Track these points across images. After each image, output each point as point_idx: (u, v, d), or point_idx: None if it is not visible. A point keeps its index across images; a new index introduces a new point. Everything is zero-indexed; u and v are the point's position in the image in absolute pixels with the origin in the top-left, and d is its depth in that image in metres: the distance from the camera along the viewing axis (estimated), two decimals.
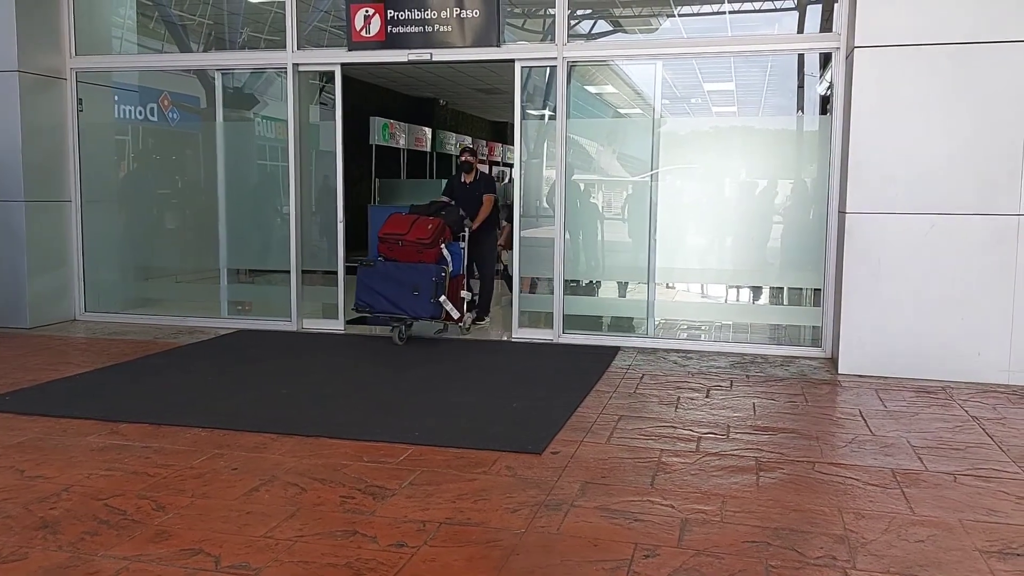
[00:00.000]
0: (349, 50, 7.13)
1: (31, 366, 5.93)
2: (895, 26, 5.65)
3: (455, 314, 6.75)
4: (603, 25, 8.44)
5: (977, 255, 5.56)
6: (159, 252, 8.50)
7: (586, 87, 8.52)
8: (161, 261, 8.55)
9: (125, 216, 8.37)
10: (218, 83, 7.91)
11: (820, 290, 6.54)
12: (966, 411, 4.92)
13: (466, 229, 7.08)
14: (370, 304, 6.69)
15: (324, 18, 7.82)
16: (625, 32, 8.46)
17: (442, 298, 6.57)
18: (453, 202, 7.31)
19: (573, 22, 8.09)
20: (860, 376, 5.78)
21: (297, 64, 7.34)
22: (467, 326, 7.28)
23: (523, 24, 8.63)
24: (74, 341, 7.02)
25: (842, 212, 5.97)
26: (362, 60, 7.26)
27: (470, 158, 7.70)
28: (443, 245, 6.72)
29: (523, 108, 7.14)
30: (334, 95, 7.57)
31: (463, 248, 6.95)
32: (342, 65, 7.29)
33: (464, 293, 6.98)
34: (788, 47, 6.81)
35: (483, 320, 7.77)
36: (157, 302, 8.42)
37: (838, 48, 6.24)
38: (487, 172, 7.74)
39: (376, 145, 12.50)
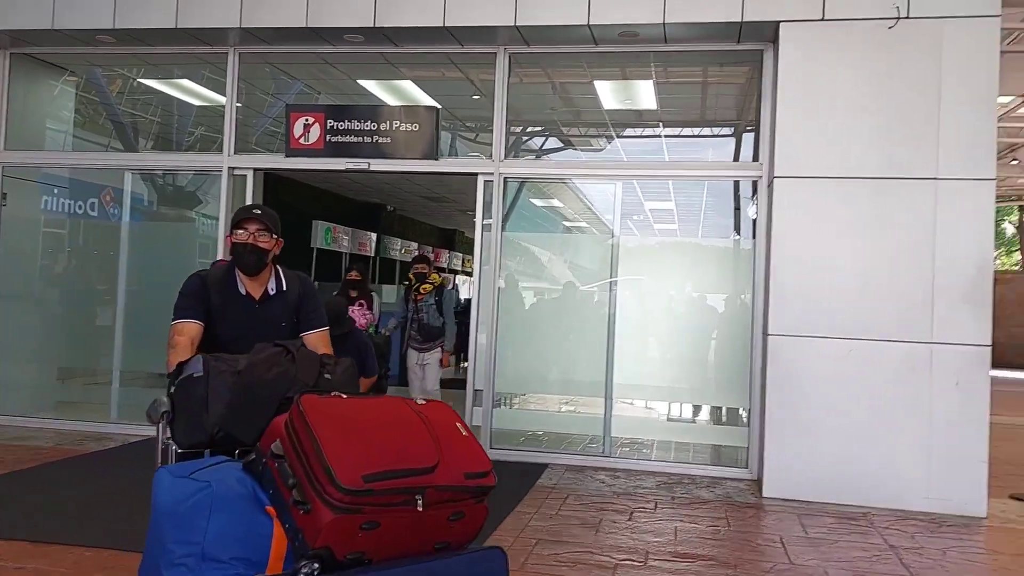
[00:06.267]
0: (286, 156, 7.21)
1: None
2: (810, 160, 5.94)
3: None
4: (555, 142, 8.73)
5: (893, 381, 5.68)
6: (73, 352, 8.22)
7: (538, 199, 8.70)
8: (75, 362, 8.26)
9: (42, 313, 8.12)
10: (127, 181, 7.90)
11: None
12: (885, 539, 4.89)
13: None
14: None
15: (275, 123, 7.93)
16: (575, 149, 8.77)
17: None
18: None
19: (525, 138, 8.37)
20: (784, 500, 5.74)
21: (233, 168, 7.37)
22: None
23: (475, 137, 8.88)
24: None
25: (766, 334, 6.07)
26: (297, 166, 7.35)
27: (263, 239, 3.07)
28: None
29: (483, 219, 7.11)
30: (278, 196, 7.61)
31: None
32: (254, 170, 7.38)
33: None
34: (717, 174, 7.10)
35: None
36: (71, 405, 8.07)
37: (761, 177, 6.51)
38: (303, 275, 3.33)
39: (317, 249, 12.50)
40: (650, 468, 6.60)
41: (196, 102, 8.59)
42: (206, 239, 8.32)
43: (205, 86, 8.18)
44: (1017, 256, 31.26)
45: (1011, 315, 20.44)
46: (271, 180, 8.22)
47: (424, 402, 2.23)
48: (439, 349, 7.41)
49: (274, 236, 3.06)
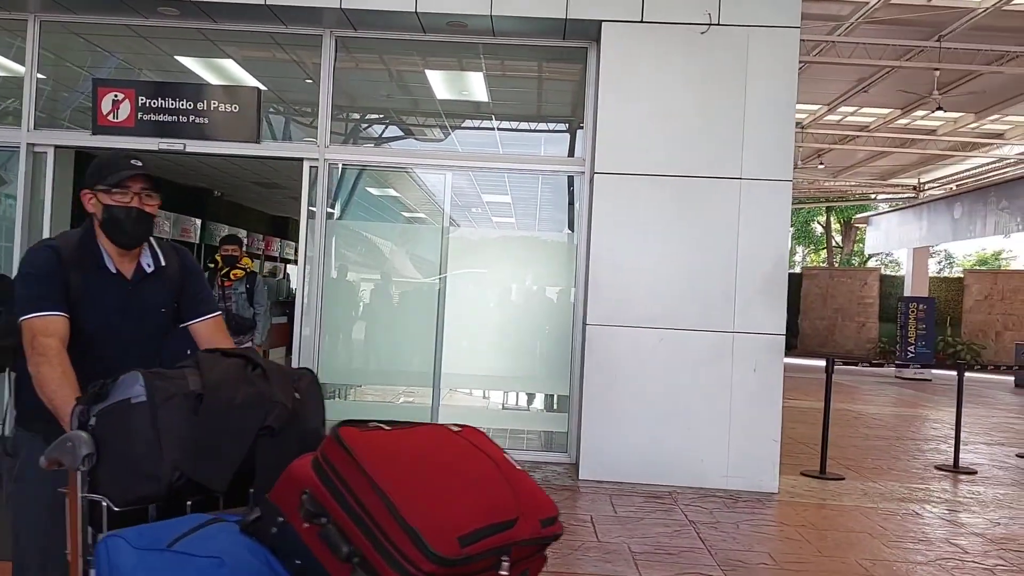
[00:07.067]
0: (93, 133, 6.72)
1: None
2: (627, 157, 6.20)
3: None
4: (396, 130, 8.61)
5: (699, 368, 6.05)
6: None
7: (374, 188, 8.56)
8: None
9: None
10: None
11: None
12: (686, 516, 5.20)
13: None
14: None
15: (88, 98, 7.36)
16: (414, 139, 8.68)
17: None
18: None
19: (364, 125, 8.21)
20: (599, 482, 5.98)
21: (32, 144, 6.81)
22: None
23: (311, 123, 8.61)
24: None
25: (585, 324, 6.29)
26: (105, 145, 6.84)
27: (151, 203, 2.41)
28: None
29: (308, 205, 6.91)
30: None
31: None
32: (56, 147, 6.90)
33: None
34: (543, 168, 7.25)
35: None
36: None
37: (583, 172, 6.73)
38: (178, 246, 2.66)
39: None
40: None
41: None
42: (8, 221, 7.63)
43: (12, 57, 7.46)
44: (824, 254, 34.19)
45: (815, 308, 22.40)
46: (83, 159, 7.62)
47: (459, 428, 1.73)
48: (249, 344, 6.96)
49: (150, 203, 2.39)
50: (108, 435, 1.78)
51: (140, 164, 2.36)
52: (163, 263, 2.47)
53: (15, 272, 5.77)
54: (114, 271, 2.38)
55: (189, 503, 1.83)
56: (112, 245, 2.37)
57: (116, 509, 1.76)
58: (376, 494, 1.45)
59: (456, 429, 1.73)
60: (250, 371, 1.95)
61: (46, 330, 2.16)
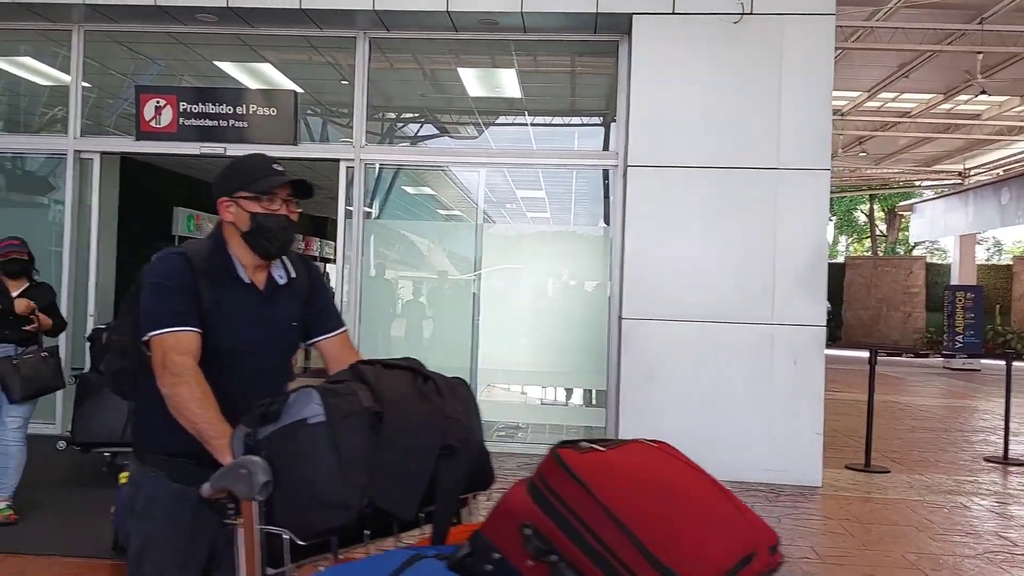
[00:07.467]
0: (137, 139, 6.90)
1: None
2: (661, 149, 6.18)
3: None
4: (431, 129, 8.70)
5: (738, 361, 6.00)
6: None
7: (410, 187, 8.66)
8: None
9: None
10: None
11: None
12: None
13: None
14: None
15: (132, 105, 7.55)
16: (449, 137, 8.76)
17: None
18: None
19: (400, 125, 8.32)
20: None
21: (79, 151, 7.01)
22: None
23: (347, 123, 8.73)
24: None
25: (621, 318, 6.28)
26: (148, 150, 7.07)
27: (295, 212, 2.22)
28: None
29: (345, 205, 7.05)
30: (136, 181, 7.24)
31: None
32: (102, 153, 7.10)
33: None
34: (575, 162, 7.27)
35: None
36: None
37: (616, 166, 6.71)
38: (304, 255, 2.48)
39: (179, 236, 11.99)
40: (512, 450, 6.70)
41: (44, 82, 8.07)
42: (57, 226, 7.86)
43: (58, 67, 7.69)
44: (868, 243, 33.57)
45: (859, 298, 22.00)
46: (129, 164, 7.82)
47: (656, 444, 1.51)
48: None
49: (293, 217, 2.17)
50: (283, 460, 1.59)
51: (283, 169, 2.17)
52: (293, 275, 2.25)
53: (68, 278, 5.90)
54: (248, 282, 2.16)
55: (367, 532, 1.64)
56: (248, 255, 2.15)
57: (301, 543, 1.56)
58: (616, 526, 1.27)
59: (654, 445, 1.52)
60: (421, 383, 1.77)
61: (179, 347, 1.95)
